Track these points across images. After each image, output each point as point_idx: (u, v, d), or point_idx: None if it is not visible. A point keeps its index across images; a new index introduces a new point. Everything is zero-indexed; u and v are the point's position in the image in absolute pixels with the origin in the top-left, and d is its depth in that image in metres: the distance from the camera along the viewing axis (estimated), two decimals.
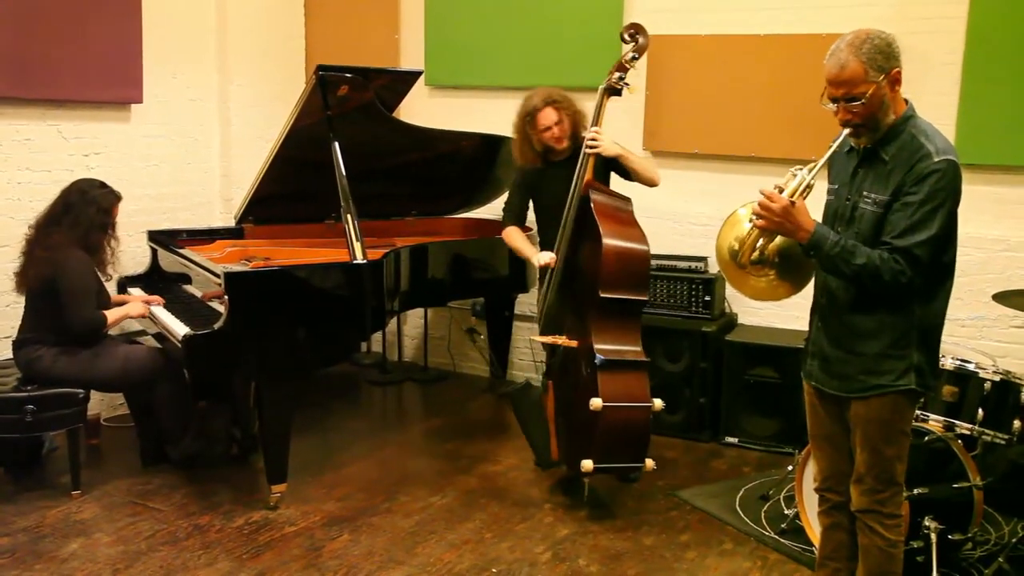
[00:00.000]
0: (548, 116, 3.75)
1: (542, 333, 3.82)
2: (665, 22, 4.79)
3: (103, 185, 3.85)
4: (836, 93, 2.30)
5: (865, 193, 2.36)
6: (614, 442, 3.47)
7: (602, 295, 3.50)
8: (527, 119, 3.80)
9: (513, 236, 4.00)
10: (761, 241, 2.46)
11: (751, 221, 2.42)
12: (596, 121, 3.67)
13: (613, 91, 3.67)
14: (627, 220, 3.62)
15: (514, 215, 4.04)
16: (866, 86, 2.26)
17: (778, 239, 2.47)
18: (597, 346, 3.49)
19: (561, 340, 3.70)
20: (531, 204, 4.04)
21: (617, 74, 3.65)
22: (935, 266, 2.34)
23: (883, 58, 2.26)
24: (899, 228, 2.27)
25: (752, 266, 2.50)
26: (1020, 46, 4.00)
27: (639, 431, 3.51)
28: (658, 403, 3.49)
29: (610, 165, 3.76)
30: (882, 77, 2.26)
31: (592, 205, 3.58)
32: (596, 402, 3.41)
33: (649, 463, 3.54)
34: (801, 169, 2.40)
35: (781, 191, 2.36)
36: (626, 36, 3.73)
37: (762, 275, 2.53)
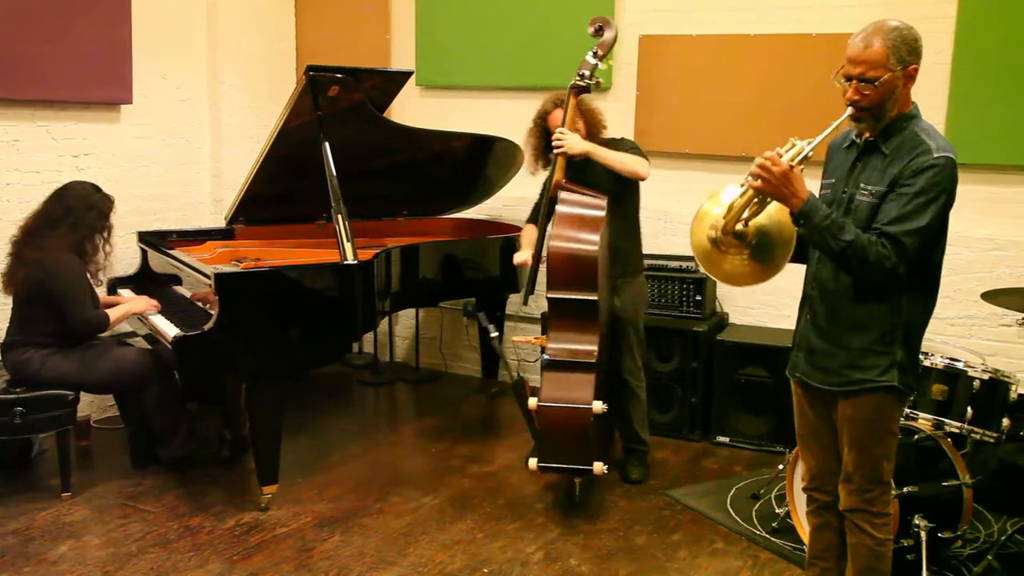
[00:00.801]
0: (558, 117, 3.78)
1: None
2: (656, 22, 4.81)
3: (98, 189, 3.85)
4: (853, 71, 2.31)
5: (863, 185, 2.38)
6: (554, 442, 3.48)
7: (548, 295, 3.56)
8: (540, 122, 3.87)
9: (524, 232, 4.09)
10: (747, 212, 2.42)
11: (746, 183, 2.39)
12: (564, 121, 3.69)
13: (580, 89, 3.70)
14: (584, 221, 3.59)
15: (535, 214, 4.09)
16: (883, 71, 2.28)
17: (761, 218, 2.45)
18: (549, 345, 3.53)
19: (534, 340, 3.74)
20: None
21: (582, 71, 3.67)
22: (924, 263, 2.35)
23: (907, 51, 2.29)
24: (890, 216, 2.29)
25: (731, 240, 2.46)
26: (1009, 45, 4.02)
27: (579, 433, 3.44)
28: (598, 406, 3.42)
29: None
30: (900, 68, 2.29)
31: (556, 206, 3.62)
32: (532, 401, 3.45)
33: (598, 467, 3.46)
34: (800, 141, 2.39)
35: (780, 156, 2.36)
36: (591, 31, 3.74)
37: (737, 255, 2.50)
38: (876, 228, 2.30)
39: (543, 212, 3.76)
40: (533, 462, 3.50)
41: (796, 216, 2.36)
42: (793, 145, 2.38)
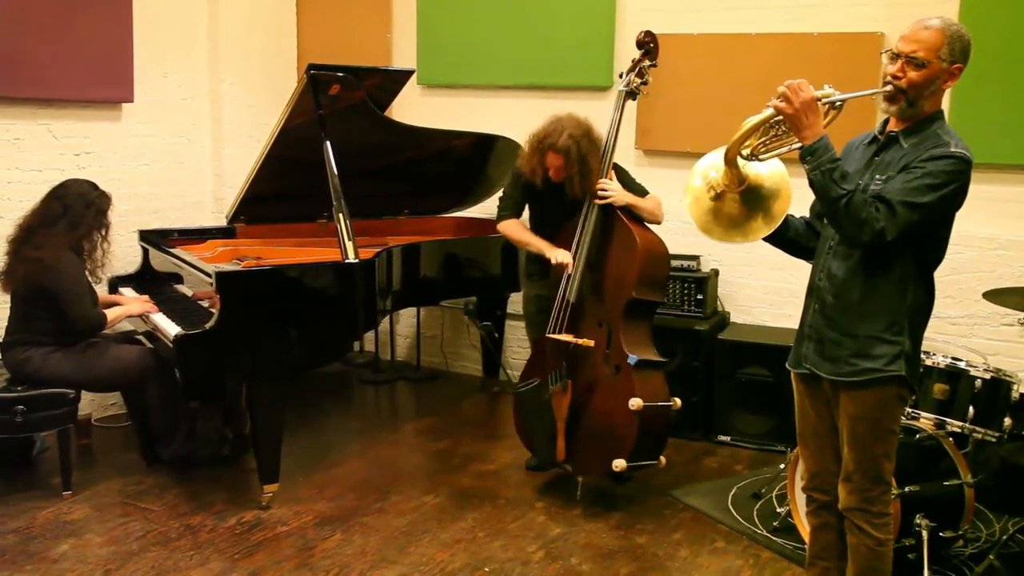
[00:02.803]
0: (559, 160, 3.69)
1: (550, 332, 3.76)
2: (658, 21, 4.79)
3: (96, 187, 3.84)
4: (904, 48, 2.32)
5: (878, 176, 2.38)
6: (646, 440, 3.56)
7: (635, 296, 3.59)
8: (542, 145, 3.72)
9: (515, 228, 3.95)
10: (758, 138, 2.38)
11: (769, 105, 2.37)
12: (618, 124, 3.70)
13: (632, 95, 3.77)
14: (647, 227, 3.78)
15: (512, 209, 3.99)
16: (933, 57, 2.29)
17: (763, 171, 2.44)
18: (627, 347, 3.58)
19: (580, 340, 3.67)
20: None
21: (638, 80, 3.75)
22: (923, 255, 2.36)
23: (960, 49, 2.31)
24: (892, 189, 2.29)
25: (731, 174, 2.45)
26: (1011, 45, 4.02)
27: (663, 429, 3.63)
28: (677, 401, 3.62)
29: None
30: (948, 62, 2.31)
31: (619, 212, 3.68)
32: (637, 402, 3.48)
33: (663, 460, 3.67)
34: (833, 87, 2.36)
35: None
36: (643, 42, 3.79)
37: (732, 194, 2.49)
38: (876, 194, 2.30)
39: (582, 222, 3.69)
40: (621, 463, 3.49)
41: (805, 151, 2.31)
42: (825, 87, 2.36)
